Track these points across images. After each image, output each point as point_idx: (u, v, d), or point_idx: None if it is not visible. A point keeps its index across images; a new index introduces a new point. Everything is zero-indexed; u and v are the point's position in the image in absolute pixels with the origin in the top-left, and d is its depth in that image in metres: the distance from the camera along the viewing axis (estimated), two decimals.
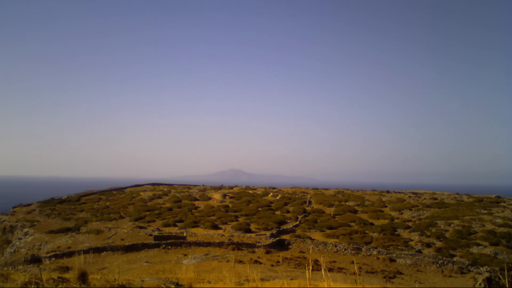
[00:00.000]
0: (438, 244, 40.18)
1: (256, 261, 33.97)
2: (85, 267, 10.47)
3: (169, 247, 39.77)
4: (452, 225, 45.99)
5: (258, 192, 78.37)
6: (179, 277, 21.20)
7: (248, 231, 46.94)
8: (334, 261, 34.77)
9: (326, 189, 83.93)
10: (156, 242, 40.84)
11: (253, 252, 38.49)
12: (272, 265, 33.01)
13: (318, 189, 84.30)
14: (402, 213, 54.81)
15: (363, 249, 38.43)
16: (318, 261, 31.27)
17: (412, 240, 41.88)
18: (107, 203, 68.83)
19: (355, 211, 57.53)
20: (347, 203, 62.79)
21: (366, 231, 46.17)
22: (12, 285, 9.53)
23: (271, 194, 75.18)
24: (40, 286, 9.40)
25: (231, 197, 72.47)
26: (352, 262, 34.56)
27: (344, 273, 29.02)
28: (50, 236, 47.31)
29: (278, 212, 58.58)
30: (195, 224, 51.16)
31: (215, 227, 49.62)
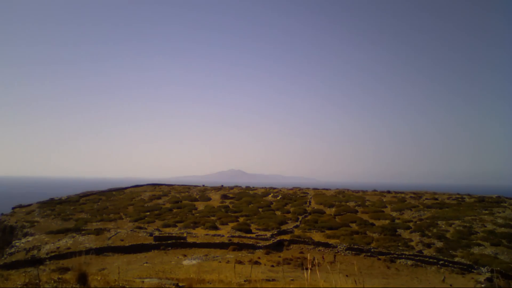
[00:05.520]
0: (439, 244, 40.13)
1: (256, 262, 33.88)
2: (85, 268, 10.39)
3: (169, 247, 39.71)
4: (453, 225, 45.94)
5: (258, 193, 78.26)
6: (179, 278, 21.14)
7: (248, 231, 46.86)
8: (334, 262, 34.66)
9: (327, 189, 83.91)
10: (156, 242, 40.79)
11: (253, 252, 38.41)
12: (272, 266, 32.92)
13: (318, 189, 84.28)
14: (402, 214, 54.73)
15: (363, 249, 38.35)
16: (319, 261, 31.14)
17: (413, 241, 41.83)
18: (107, 204, 68.75)
19: (356, 212, 57.43)
20: (347, 204, 62.70)
21: (367, 232, 46.10)
22: (11, 285, 9.47)
23: (272, 194, 75.08)
24: (39, 287, 9.34)
25: (231, 198, 72.35)
26: (353, 263, 34.50)
27: (345, 274, 28.92)
28: (50, 237, 47.22)
29: (278, 213, 58.51)
30: (195, 225, 51.08)
31: (215, 227, 49.53)
